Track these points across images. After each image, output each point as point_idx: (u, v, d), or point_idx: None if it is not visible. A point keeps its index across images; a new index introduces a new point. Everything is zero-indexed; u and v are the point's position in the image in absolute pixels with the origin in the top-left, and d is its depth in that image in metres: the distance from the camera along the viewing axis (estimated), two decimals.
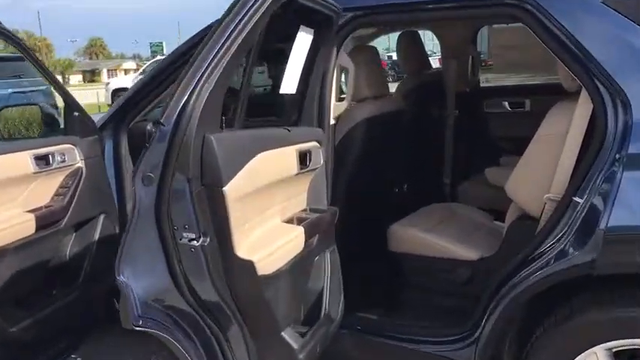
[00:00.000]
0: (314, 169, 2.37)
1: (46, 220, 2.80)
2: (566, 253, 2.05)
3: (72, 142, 2.95)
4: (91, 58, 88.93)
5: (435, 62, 5.08)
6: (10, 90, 10.07)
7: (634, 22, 2.11)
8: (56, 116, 3.25)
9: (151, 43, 57.68)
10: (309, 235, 2.25)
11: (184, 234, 1.78)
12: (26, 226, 2.70)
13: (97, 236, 3.04)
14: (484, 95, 4.60)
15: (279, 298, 2.13)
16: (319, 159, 2.39)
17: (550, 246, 2.10)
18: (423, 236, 2.92)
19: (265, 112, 2.85)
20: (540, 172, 2.36)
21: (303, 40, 2.35)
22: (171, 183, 1.76)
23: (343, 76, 3.01)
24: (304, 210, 2.40)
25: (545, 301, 2.17)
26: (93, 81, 63.10)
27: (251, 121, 2.27)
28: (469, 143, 4.31)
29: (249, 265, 1.90)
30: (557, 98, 2.49)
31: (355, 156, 2.96)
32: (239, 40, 1.84)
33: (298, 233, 2.19)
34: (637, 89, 2.02)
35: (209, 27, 2.07)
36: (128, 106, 3.17)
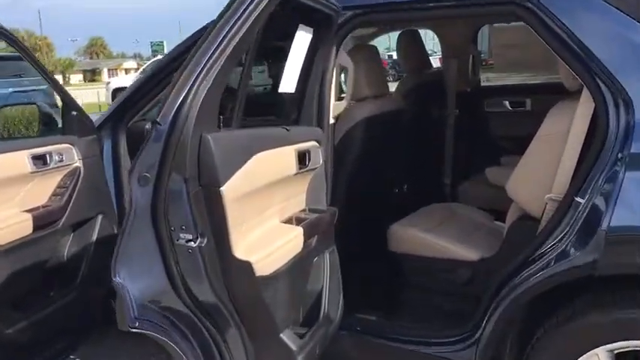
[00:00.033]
0: (313, 169, 2.36)
1: (43, 220, 2.78)
2: (568, 253, 2.03)
3: (70, 142, 2.93)
4: (91, 58, 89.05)
5: (435, 62, 5.06)
6: (10, 89, 10.07)
7: (635, 20, 2.09)
8: (54, 115, 3.23)
9: (151, 43, 57.69)
10: (308, 236, 2.23)
11: (181, 235, 1.77)
12: (23, 226, 2.68)
13: (95, 237, 3.02)
14: (485, 94, 4.59)
15: (278, 299, 2.11)
16: (318, 159, 2.38)
17: (551, 247, 2.09)
18: (423, 236, 2.91)
19: (265, 112, 2.84)
20: (541, 172, 2.35)
21: (302, 39, 2.34)
22: (168, 183, 1.74)
23: (343, 75, 3.00)
24: (303, 210, 2.38)
25: (546, 302, 2.15)
26: (93, 80, 63.20)
27: (250, 120, 2.26)
28: (470, 143, 4.30)
29: (247, 266, 1.88)
30: (558, 97, 2.47)
31: (355, 155, 2.95)
32: (237, 39, 1.82)
33: (297, 234, 2.17)
34: (639, 88, 2.00)
35: (207, 26, 2.05)
36: (127, 106, 3.15)
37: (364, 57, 3.13)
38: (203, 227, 1.77)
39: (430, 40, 6.22)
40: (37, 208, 2.81)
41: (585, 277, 1.99)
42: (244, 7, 1.84)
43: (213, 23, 1.84)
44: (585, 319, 2.07)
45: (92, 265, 2.99)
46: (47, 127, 3.37)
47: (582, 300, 2.10)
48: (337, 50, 2.62)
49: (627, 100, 2.00)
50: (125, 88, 3.61)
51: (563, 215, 2.08)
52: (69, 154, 2.91)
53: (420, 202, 3.36)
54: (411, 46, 3.98)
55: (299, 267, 2.23)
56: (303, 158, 2.24)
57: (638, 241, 1.93)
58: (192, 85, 1.75)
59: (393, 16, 2.76)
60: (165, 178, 1.73)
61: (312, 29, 2.38)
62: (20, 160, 2.68)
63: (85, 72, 73.60)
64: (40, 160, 2.76)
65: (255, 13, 1.85)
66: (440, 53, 4.73)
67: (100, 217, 3.06)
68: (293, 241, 2.15)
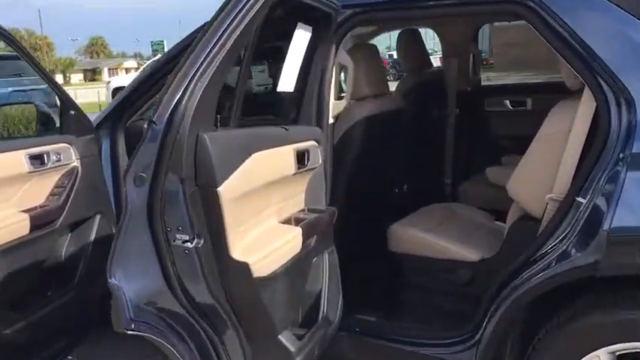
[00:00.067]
0: (312, 169, 2.34)
1: (40, 220, 2.76)
2: (569, 254, 2.02)
3: (67, 141, 2.92)
4: (92, 57, 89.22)
5: (436, 61, 5.05)
6: (10, 89, 10.07)
7: (637, 18, 2.07)
8: (52, 115, 3.21)
9: (152, 42, 57.59)
10: (306, 236, 2.21)
11: (178, 235, 1.75)
12: (20, 226, 2.66)
13: (92, 237, 3.00)
14: (485, 94, 4.58)
15: (276, 300, 2.10)
16: (317, 158, 2.36)
17: (552, 247, 2.07)
18: (423, 236, 2.89)
19: (265, 111, 2.82)
20: (542, 172, 2.33)
21: (301, 38, 2.32)
22: (164, 183, 1.72)
23: (343, 74, 2.98)
24: (302, 210, 2.36)
25: (547, 302, 2.13)
26: (94, 80, 63.28)
27: (248, 119, 2.24)
28: (470, 142, 4.29)
29: (244, 267, 1.87)
30: (559, 97, 2.46)
31: (355, 155, 2.94)
32: (234, 37, 1.80)
33: (296, 234, 2.15)
34: None
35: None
36: (125, 105, 3.14)
37: (364, 56, 3.11)
38: (200, 228, 1.76)
39: (431, 39, 6.20)
40: (35, 208, 2.80)
41: (587, 277, 1.97)
42: (241, 5, 1.82)
43: (210, 22, 1.82)
44: (587, 320, 2.06)
45: (90, 265, 2.97)
46: (45, 126, 3.36)
47: (583, 301, 2.09)
48: (337, 49, 2.61)
49: (629, 100, 1.98)
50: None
51: (564, 215, 2.06)
52: (66, 154, 2.89)
53: (420, 202, 3.34)
54: (411, 45, 3.96)
55: (298, 268, 2.22)
56: (302, 158, 2.23)
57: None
58: (189, 84, 1.73)
59: (393, 15, 2.74)
60: (162, 178, 1.72)
61: (311, 28, 2.36)
62: (17, 159, 2.66)
63: (85, 71, 73.71)
64: (37, 159, 2.74)
65: (253, 12, 1.83)
66: (440, 52, 4.72)
67: (98, 216, 3.05)
68: (292, 241, 2.14)
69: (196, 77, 1.74)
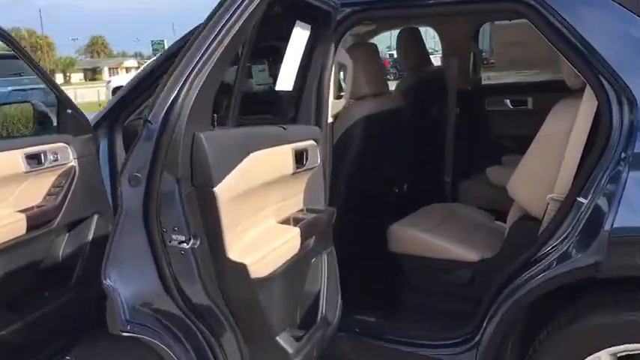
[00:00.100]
0: (311, 169, 2.32)
1: (37, 220, 2.75)
2: (570, 254, 2.00)
3: (65, 141, 2.90)
4: (92, 57, 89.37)
5: (436, 61, 5.04)
6: (10, 88, 10.05)
7: (638, 16, 2.05)
8: (49, 114, 3.20)
9: (152, 41, 57.56)
10: (305, 237, 2.19)
11: (174, 236, 1.73)
12: (17, 227, 2.64)
13: (90, 237, 2.99)
14: (486, 93, 4.57)
15: (274, 301, 2.08)
16: (316, 158, 2.34)
17: (553, 247, 2.05)
18: (423, 237, 2.88)
19: (264, 110, 2.80)
20: (543, 172, 2.31)
21: (299, 36, 2.30)
22: (160, 183, 1.70)
23: (342, 73, 2.96)
24: (301, 210, 2.34)
25: (548, 303, 2.12)
26: (94, 79, 63.35)
27: (247, 119, 2.22)
28: (470, 142, 4.27)
29: (241, 268, 1.84)
30: (560, 96, 2.44)
31: (354, 155, 2.92)
32: (231, 35, 1.78)
33: (294, 234, 2.13)
34: None
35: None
36: (123, 104, 3.13)
37: (363, 55, 3.10)
38: (196, 228, 1.74)
39: (431, 38, 6.19)
40: (32, 207, 2.78)
41: (588, 278, 1.96)
42: (238, 2, 1.80)
43: (207, 19, 1.80)
44: (588, 321, 2.04)
45: (87, 266, 2.96)
46: (42, 125, 3.34)
47: (584, 302, 2.07)
48: (336, 48, 2.59)
49: (631, 99, 1.97)
50: None
51: (565, 216, 2.04)
52: (64, 153, 2.88)
53: (420, 202, 3.32)
54: (411, 44, 3.95)
55: (296, 268, 2.20)
56: (300, 157, 2.21)
57: None
58: (185, 82, 1.71)
59: (392, 13, 2.72)
60: (157, 178, 1.69)
61: (309, 26, 2.34)
62: (14, 159, 2.65)
63: (85, 71, 73.80)
64: (34, 159, 2.73)
65: (250, 9, 1.81)
66: (441, 52, 4.70)
67: (95, 216, 3.03)
68: (290, 242, 2.12)
69: (192, 75, 1.71)
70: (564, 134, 2.21)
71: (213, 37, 1.76)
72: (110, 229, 2.97)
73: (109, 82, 23.82)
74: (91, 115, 3.19)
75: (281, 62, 2.29)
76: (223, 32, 1.77)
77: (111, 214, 3.09)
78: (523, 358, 2.19)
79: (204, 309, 1.84)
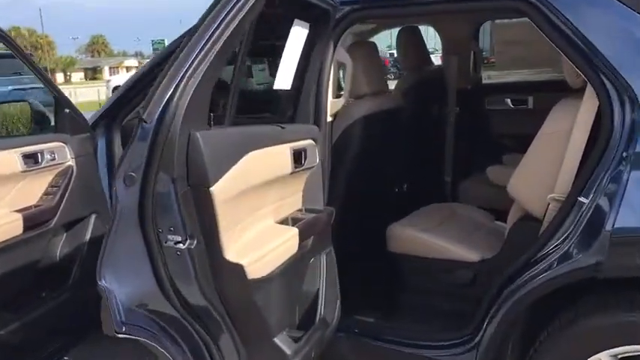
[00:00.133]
0: (309, 168, 2.30)
1: (34, 220, 2.74)
2: (571, 255, 1.99)
3: (62, 140, 2.89)
4: (92, 56, 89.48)
5: (437, 60, 5.03)
6: (10, 87, 10.05)
7: None
8: (47, 113, 3.19)
9: (152, 41, 57.63)
10: (304, 237, 2.18)
11: (169, 237, 1.71)
12: (14, 226, 2.64)
13: (88, 237, 2.98)
14: (486, 92, 4.55)
15: (272, 302, 2.06)
16: (315, 157, 2.33)
17: (554, 248, 2.04)
18: (422, 237, 2.86)
19: (263, 110, 2.78)
20: (544, 171, 2.29)
21: (298, 35, 2.29)
22: (155, 183, 1.68)
23: (341, 72, 2.94)
24: (299, 210, 2.33)
25: (549, 304, 2.10)
26: (95, 78, 63.43)
27: (244, 118, 2.20)
28: (470, 141, 4.25)
29: (238, 269, 1.83)
30: (561, 95, 2.42)
31: (353, 154, 2.91)
32: (228, 32, 1.76)
33: (292, 234, 2.11)
34: None
35: None
36: (121, 103, 3.11)
37: (363, 54, 3.08)
38: (192, 229, 1.72)
39: (432, 38, 6.17)
40: (29, 207, 2.78)
41: (589, 279, 1.95)
42: (234, 1, 1.78)
43: (204, 16, 1.78)
44: (589, 322, 2.03)
45: (85, 266, 2.94)
46: (40, 125, 3.33)
47: (585, 302, 2.06)
48: (335, 46, 2.57)
49: (633, 98, 1.95)
50: None
51: (566, 215, 2.03)
52: (61, 153, 2.87)
53: (420, 202, 3.31)
54: (411, 42, 3.93)
55: (294, 269, 2.18)
56: (298, 157, 2.19)
57: None
58: (181, 80, 1.69)
59: (392, 12, 2.70)
60: (152, 177, 1.68)
61: (308, 24, 2.33)
62: (10, 158, 2.64)
63: (86, 70, 73.87)
64: (31, 158, 2.72)
65: (247, 6, 1.79)
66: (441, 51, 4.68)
67: (93, 216, 3.03)
68: (288, 242, 2.10)
69: (188, 74, 1.69)
70: (565, 133, 2.19)
71: (209, 35, 1.74)
72: None
73: (109, 81, 23.84)
74: (90, 115, 3.17)
75: (280, 61, 2.28)
76: (219, 30, 1.75)
77: (109, 214, 3.08)
78: (523, 358, 2.18)
79: (201, 310, 1.82)
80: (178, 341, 1.83)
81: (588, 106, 2.11)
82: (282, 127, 2.20)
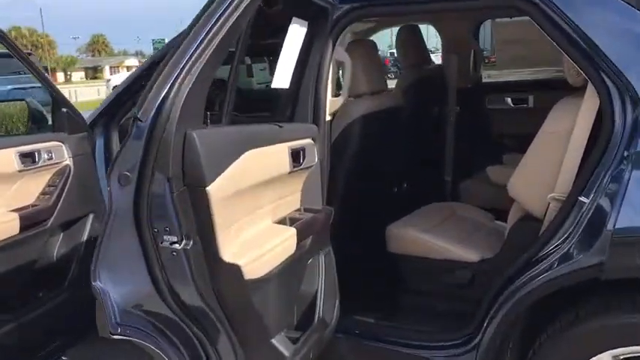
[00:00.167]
0: (308, 168, 2.28)
1: (31, 219, 2.73)
2: (572, 255, 1.97)
3: (60, 139, 2.88)
4: (93, 55, 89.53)
5: (437, 60, 5.02)
6: (9, 86, 10.05)
7: None
8: (44, 112, 3.18)
9: (153, 40, 57.60)
10: (302, 237, 2.16)
11: (165, 237, 1.69)
12: (10, 226, 2.62)
13: (85, 237, 2.97)
14: (486, 91, 4.54)
15: (270, 303, 2.05)
16: (313, 157, 2.31)
17: (554, 248, 2.03)
18: (422, 237, 2.84)
19: (261, 109, 2.77)
20: (544, 171, 2.28)
21: (296, 33, 2.27)
22: (150, 183, 1.66)
23: (340, 70, 2.93)
24: (298, 210, 2.31)
25: (549, 305, 2.09)
26: (95, 78, 63.47)
27: (241, 116, 2.18)
28: (471, 141, 4.23)
29: (235, 270, 1.81)
30: (561, 94, 2.40)
31: (352, 153, 2.89)
32: (224, 30, 1.74)
33: (290, 234, 2.09)
34: None
35: None
36: (119, 102, 3.10)
37: (362, 52, 3.06)
38: (188, 229, 1.70)
39: (432, 38, 6.16)
40: (25, 207, 2.77)
41: (590, 279, 1.93)
42: None
43: (200, 14, 1.76)
44: (589, 323, 2.01)
45: (82, 266, 2.93)
46: (37, 124, 3.32)
47: (586, 303, 2.04)
48: (334, 45, 2.55)
49: (634, 96, 1.94)
50: None
51: (566, 215, 2.01)
52: (59, 152, 2.85)
53: (420, 201, 3.29)
54: (411, 41, 3.91)
55: (292, 269, 2.16)
56: (297, 156, 2.17)
57: None
58: (176, 79, 1.67)
59: (392, 10, 2.68)
60: (148, 177, 1.66)
61: (306, 23, 2.31)
62: (7, 158, 2.63)
63: (86, 69, 73.90)
64: (28, 158, 2.71)
65: (243, 5, 1.77)
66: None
67: (90, 216, 3.01)
68: (286, 242, 2.08)
69: (184, 72, 1.67)
70: (566, 133, 2.18)
71: (206, 32, 1.72)
72: None
73: (109, 80, 23.87)
74: (85, 115, 3.16)
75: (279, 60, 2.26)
76: (215, 29, 1.73)
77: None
78: (523, 359, 2.16)
79: (198, 311, 1.80)
80: (175, 343, 1.81)
81: (589, 105, 2.10)
82: (280, 126, 2.18)
